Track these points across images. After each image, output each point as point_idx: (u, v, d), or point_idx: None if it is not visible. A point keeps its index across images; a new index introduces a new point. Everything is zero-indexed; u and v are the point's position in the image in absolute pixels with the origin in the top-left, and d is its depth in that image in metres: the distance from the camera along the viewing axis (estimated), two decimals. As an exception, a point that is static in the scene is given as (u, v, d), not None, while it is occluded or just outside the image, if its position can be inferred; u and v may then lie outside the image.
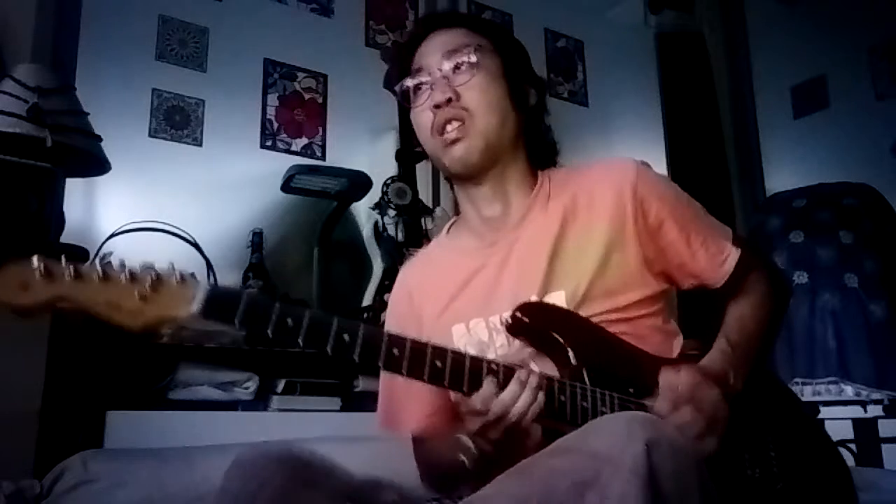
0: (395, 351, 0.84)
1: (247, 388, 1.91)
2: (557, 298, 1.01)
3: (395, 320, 1.17)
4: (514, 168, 1.10)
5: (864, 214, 2.60)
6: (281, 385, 1.94)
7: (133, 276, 0.77)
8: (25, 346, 1.61)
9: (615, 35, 3.41)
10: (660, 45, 3.42)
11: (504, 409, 0.84)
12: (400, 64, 1.11)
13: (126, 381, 1.79)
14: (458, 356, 0.87)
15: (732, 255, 1.08)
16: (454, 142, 1.04)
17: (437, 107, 1.03)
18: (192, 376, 1.86)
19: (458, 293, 1.09)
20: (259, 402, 1.94)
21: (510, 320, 0.98)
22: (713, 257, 1.07)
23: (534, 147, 1.13)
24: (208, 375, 1.88)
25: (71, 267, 0.75)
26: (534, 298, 1.02)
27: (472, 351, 1.01)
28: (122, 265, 0.78)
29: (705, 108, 3.35)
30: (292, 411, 1.90)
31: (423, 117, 1.06)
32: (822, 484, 1.06)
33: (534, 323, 0.98)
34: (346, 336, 0.82)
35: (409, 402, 1.10)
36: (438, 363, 0.85)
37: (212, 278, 2.08)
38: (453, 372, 0.85)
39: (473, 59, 1.04)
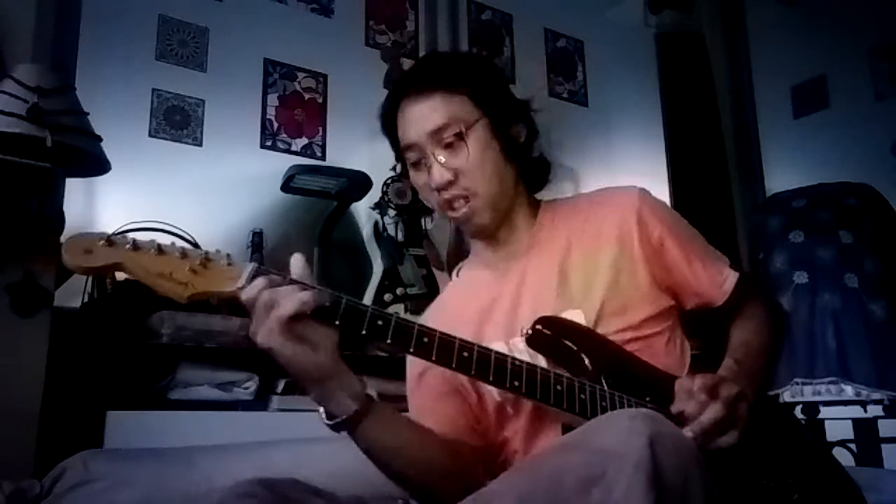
0: (426, 339, 0.89)
1: (247, 388, 1.91)
2: (576, 317, 1.05)
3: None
4: (519, 207, 1.15)
5: (864, 214, 2.60)
6: (281, 385, 1.94)
7: (185, 253, 0.85)
8: (25, 346, 1.61)
9: (615, 35, 3.41)
10: (660, 45, 3.42)
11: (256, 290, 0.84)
12: (388, 131, 1.15)
13: (126, 381, 1.79)
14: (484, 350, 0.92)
15: (731, 276, 1.13)
16: (465, 218, 1.09)
17: (438, 189, 1.07)
18: (192, 376, 1.86)
19: (481, 326, 1.12)
20: (259, 402, 1.94)
21: (531, 332, 1.01)
22: (713, 277, 1.12)
23: (529, 177, 1.17)
24: (208, 375, 1.87)
25: (131, 239, 0.83)
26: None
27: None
28: (174, 244, 0.85)
29: (705, 108, 3.35)
30: (292, 411, 1.89)
31: (427, 193, 1.11)
32: (835, 495, 1.07)
33: (554, 335, 1.01)
34: (379, 322, 0.87)
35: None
36: (465, 353, 0.90)
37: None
38: (479, 361, 0.90)
39: (461, 135, 1.05)
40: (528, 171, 1.16)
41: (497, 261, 1.16)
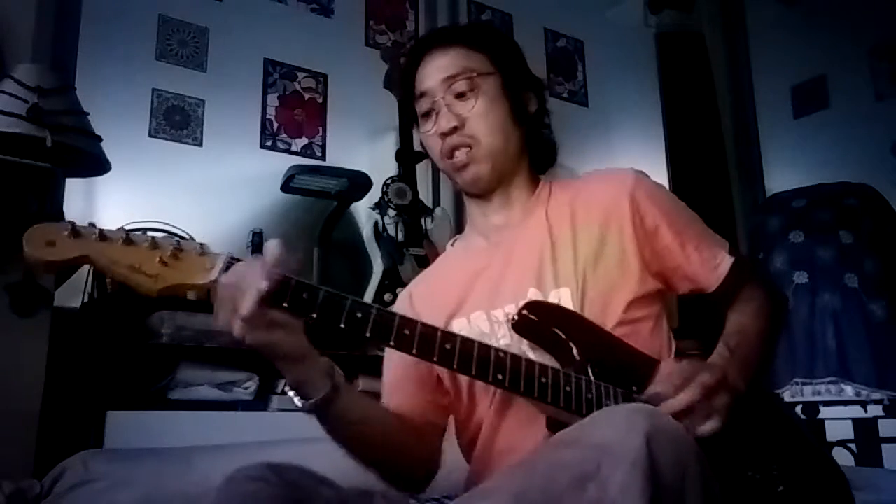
0: (406, 331, 0.87)
1: (247, 388, 1.91)
2: (564, 295, 1.04)
3: None
4: (519, 176, 1.15)
5: (864, 214, 2.60)
6: (281, 385, 1.94)
7: (155, 243, 0.80)
8: (25, 346, 1.61)
9: (615, 35, 3.41)
10: (660, 45, 3.42)
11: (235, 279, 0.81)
12: (405, 87, 1.16)
13: (126, 381, 1.79)
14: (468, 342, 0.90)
15: (726, 260, 1.11)
16: (463, 166, 1.10)
17: (443, 134, 1.09)
18: (192, 376, 1.86)
19: (466, 293, 1.12)
20: (259, 402, 1.94)
21: (516, 317, 1.00)
22: (707, 261, 1.10)
23: (535, 152, 1.18)
24: (208, 375, 1.88)
25: (97, 229, 0.78)
26: (535, 293, 1.04)
27: None
28: (145, 233, 0.81)
29: (705, 108, 3.35)
30: (292, 411, 1.89)
31: (432, 142, 1.12)
32: (822, 489, 1.06)
33: (539, 321, 1.00)
34: (358, 314, 0.85)
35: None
36: (447, 346, 0.88)
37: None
38: (462, 354, 0.89)
39: (472, 84, 1.09)
40: (535, 147, 1.17)
41: (490, 229, 1.16)
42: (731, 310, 1.12)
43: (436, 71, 1.10)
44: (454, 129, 1.08)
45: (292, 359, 0.88)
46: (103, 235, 0.78)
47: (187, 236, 2.05)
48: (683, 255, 1.09)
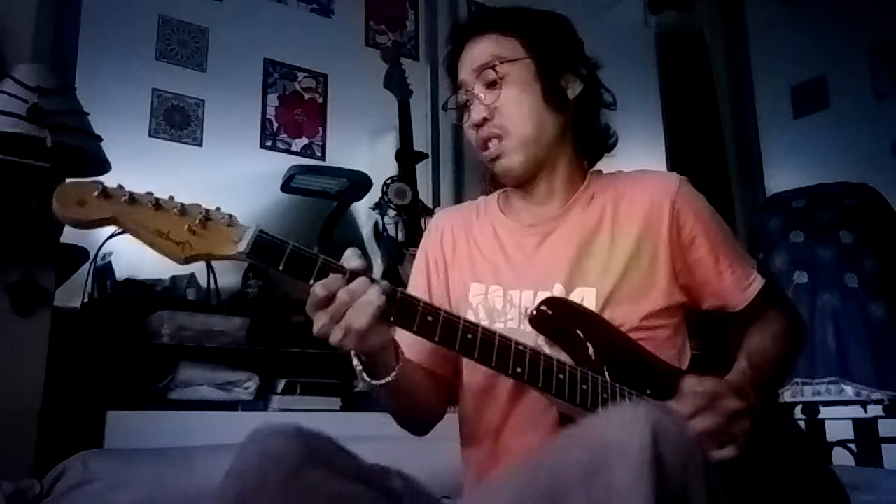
0: (430, 318, 0.87)
1: (247, 388, 1.92)
2: (588, 294, 1.04)
3: (423, 254, 1.21)
4: (563, 164, 1.13)
5: (864, 214, 2.60)
6: (281, 385, 1.94)
7: (185, 210, 0.81)
8: (25, 346, 1.61)
9: (615, 35, 3.41)
10: (660, 45, 3.42)
11: (350, 296, 0.84)
12: (451, 81, 1.15)
13: (126, 381, 1.80)
14: (488, 332, 0.90)
15: (757, 281, 1.10)
16: (495, 158, 1.08)
17: (476, 126, 1.07)
18: (192, 376, 1.86)
19: (488, 256, 1.12)
20: (259, 402, 1.94)
21: (535, 312, 1.00)
22: (739, 280, 1.09)
23: (583, 139, 1.16)
24: (208, 375, 1.88)
25: (127, 191, 0.79)
26: (560, 289, 1.04)
27: (482, 313, 1.07)
28: (173, 199, 0.82)
29: (705, 108, 3.35)
30: (292, 411, 1.90)
31: (469, 134, 1.11)
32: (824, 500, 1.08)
33: (557, 318, 1.00)
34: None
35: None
36: (469, 336, 0.89)
37: (212, 277, 2.08)
38: (483, 345, 0.89)
39: (501, 73, 1.06)
40: (581, 134, 1.14)
41: (527, 213, 1.14)
42: (752, 329, 1.11)
43: (468, 62, 1.09)
44: (485, 120, 1.06)
45: (378, 350, 0.90)
46: (133, 198, 0.79)
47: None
48: (716, 270, 1.08)
